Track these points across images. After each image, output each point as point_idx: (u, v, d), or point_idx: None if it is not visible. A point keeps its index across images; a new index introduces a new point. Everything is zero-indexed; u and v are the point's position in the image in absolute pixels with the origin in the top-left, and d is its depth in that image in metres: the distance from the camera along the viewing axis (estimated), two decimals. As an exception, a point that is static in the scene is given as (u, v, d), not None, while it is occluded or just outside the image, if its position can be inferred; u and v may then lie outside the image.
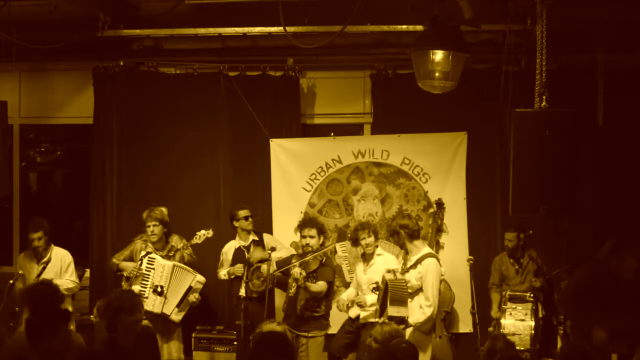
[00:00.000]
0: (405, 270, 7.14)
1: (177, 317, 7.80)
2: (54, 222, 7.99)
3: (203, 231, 8.01)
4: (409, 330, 6.93)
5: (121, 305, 5.10)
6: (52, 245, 7.82)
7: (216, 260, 8.54)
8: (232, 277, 7.99)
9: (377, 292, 7.08)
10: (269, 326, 5.44)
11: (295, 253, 7.57)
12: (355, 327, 7.45)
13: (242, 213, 8.08)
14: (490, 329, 7.85)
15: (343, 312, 7.56)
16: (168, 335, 7.83)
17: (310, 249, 7.20)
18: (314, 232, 7.22)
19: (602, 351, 5.20)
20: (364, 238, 7.33)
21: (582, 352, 5.03)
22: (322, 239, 7.28)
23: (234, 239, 8.24)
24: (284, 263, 7.46)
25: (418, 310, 7.06)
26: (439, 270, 7.16)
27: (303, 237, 7.21)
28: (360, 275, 7.54)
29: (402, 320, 6.71)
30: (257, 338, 4.79)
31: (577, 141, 6.09)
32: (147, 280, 7.66)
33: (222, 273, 8.17)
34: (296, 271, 7.06)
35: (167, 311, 7.71)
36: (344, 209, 8.60)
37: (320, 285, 7.10)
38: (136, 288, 7.59)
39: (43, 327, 4.78)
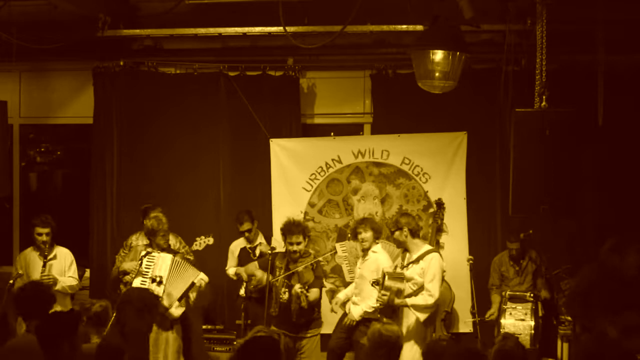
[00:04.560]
0: (404, 266, 7.14)
1: (176, 311, 7.43)
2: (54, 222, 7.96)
3: (203, 237, 8.02)
4: (412, 318, 6.93)
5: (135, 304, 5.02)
6: (55, 244, 7.79)
7: (216, 263, 8.53)
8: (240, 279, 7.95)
9: (377, 287, 7.08)
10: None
11: (277, 252, 7.51)
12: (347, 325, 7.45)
13: (244, 227, 8.06)
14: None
15: (336, 310, 7.57)
16: (166, 328, 7.48)
17: (297, 254, 7.20)
18: (300, 238, 7.19)
19: (615, 349, 5.18)
20: (360, 232, 7.40)
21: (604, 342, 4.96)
22: (307, 241, 7.30)
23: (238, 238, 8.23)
24: (266, 263, 7.42)
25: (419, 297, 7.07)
26: (442, 265, 7.15)
27: (290, 244, 7.17)
28: (357, 270, 7.58)
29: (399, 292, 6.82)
30: (244, 343, 4.50)
31: (577, 141, 6.10)
32: (147, 275, 7.35)
33: (231, 273, 8.15)
34: (297, 290, 7.04)
35: (166, 304, 7.33)
36: (344, 208, 8.60)
37: (315, 293, 7.12)
38: (137, 282, 7.35)
39: (53, 331, 4.58)
